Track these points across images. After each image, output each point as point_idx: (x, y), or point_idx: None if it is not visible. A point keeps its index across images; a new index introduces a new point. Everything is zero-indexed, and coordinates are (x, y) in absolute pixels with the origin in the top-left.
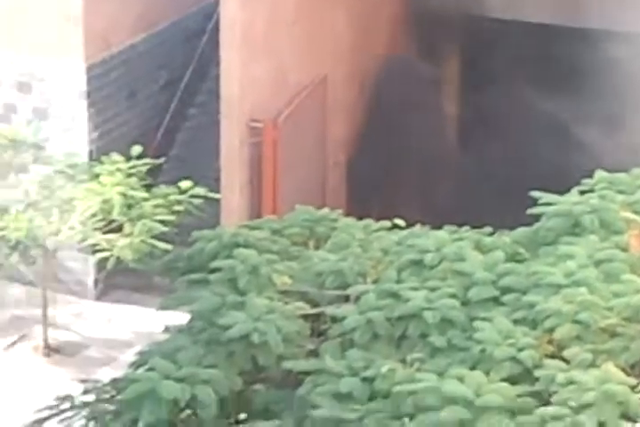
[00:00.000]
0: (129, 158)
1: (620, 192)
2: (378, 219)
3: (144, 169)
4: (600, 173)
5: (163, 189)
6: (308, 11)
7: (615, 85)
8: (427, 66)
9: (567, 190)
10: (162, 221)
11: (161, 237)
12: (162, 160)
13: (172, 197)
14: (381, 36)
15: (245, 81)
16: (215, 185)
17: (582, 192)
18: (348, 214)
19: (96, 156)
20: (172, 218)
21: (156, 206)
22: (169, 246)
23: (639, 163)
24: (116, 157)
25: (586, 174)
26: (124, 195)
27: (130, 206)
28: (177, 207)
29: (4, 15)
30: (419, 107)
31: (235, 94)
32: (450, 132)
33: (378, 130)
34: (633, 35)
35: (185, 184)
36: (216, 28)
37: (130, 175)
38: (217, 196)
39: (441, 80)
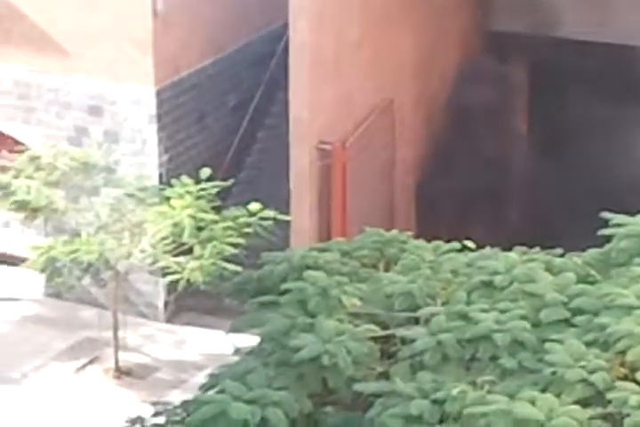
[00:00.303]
0: (198, 181)
1: None
2: (447, 241)
3: (213, 191)
4: None
5: (232, 211)
6: (375, 34)
7: None
8: (495, 88)
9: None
10: (231, 244)
11: (231, 259)
12: (231, 182)
13: (241, 220)
14: (449, 58)
15: (314, 104)
16: (285, 207)
17: None
18: (417, 237)
19: (166, 179)
20: (241, 240)
21: (226, 229)
22: (239, 268)
23: None
24: (185, 179)
25: None
26: (194, 217)
27: (200, 229)
28: (246, 229)
29: (76, 39)
30: (487, 129)
31: (304, 117)
32: (520, 153)
33: (446, 152)
34: None
35: (254, 206)
36: (285, 52)
37: (199, 198)
38: (286, 218)
39: (510, 101)
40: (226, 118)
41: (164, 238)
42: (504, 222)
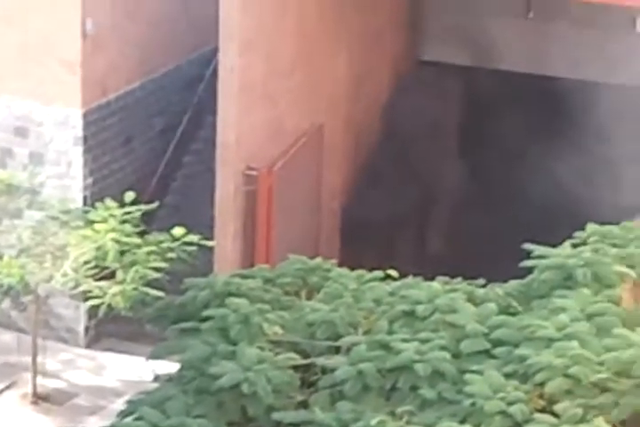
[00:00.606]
0: (123, 205)
1: (613, 245)
2: (371, 268)
3: (137, 215)
4: (592, 226)
5: (156, 236)
6: (307, 58)
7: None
8: (425, 115)
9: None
10: (154, 268)
11: (154, 284)
12: (155, 206)
13: (165, 244)
14: (380, 84)
15: (242, 128)
16: (209, 233)
17: (575, 245)
18: (341, 264)
19: (91, 202)
20: (164, 265)
21: (149, 253)
22: (161, 294)
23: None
24: (109, 203)
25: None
26: (118, 241)
27: (123, 253)
28: (170, 254)
29: (3, 59)
30: (416, 156)
31: (231, 142)
32: (448, 181)
33: (373, 179)
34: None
35: (178, 231)
36: (214, 76)
37: (124, 222)
38: (210, 243)
39: (441, 129)
40: (152, 142)
41: (86, 262)
42: (429, 250)
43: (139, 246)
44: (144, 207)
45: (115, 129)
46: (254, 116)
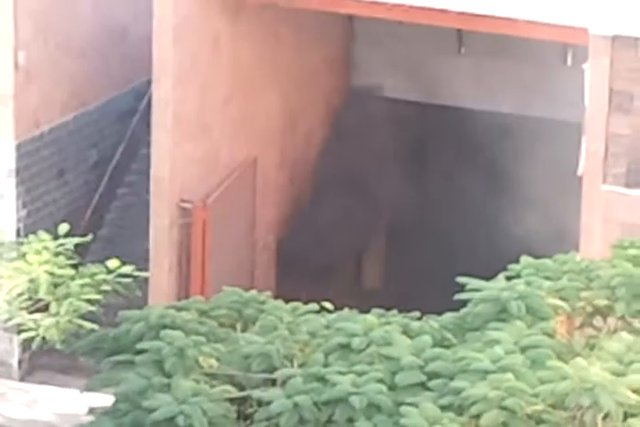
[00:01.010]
0: (57, 237)
1: (547, 278)
2: (307, 301)
3: (71, 247)
4: (526, 259)
5: (90, 268)
6: (241, 92)
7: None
8: (360, 150)
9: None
10: (89, 301)
11: (88, 317)
12: (89, 238)
13: (99, 277)
14: (316, 118)
15: (176, 161)
16: (144, 265)
17: (509, 277)
18: (276, 297)
19: (24, 234)
20: (98, 297)
21: (83, 286)
22: (95, 326)
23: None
24: (43, 235)
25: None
26: (52, 273)
27: (56, 285)
28: (104, 287)
29: None
30: (350, 189)
31: (165, 174)
32: (381, 215)
33: (307, 212)
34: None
35: (112, 263)
36: (148, 108)
37: (57, 254)
38: (144, 274)
39: (375, 164)
40: (86, 174)
41: (19, 295)
42: (364, 283)
43: (72, 278)
44: (77, 239)
45: (48, 161)
46: (188, 149)
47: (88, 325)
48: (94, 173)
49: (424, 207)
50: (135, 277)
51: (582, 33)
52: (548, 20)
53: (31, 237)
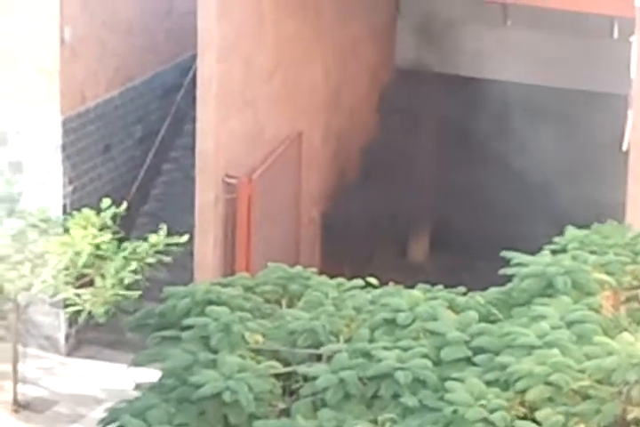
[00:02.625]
0: (101, 212)
1: (592, 252)
2: (352, 276)
3: (109, 218)
4: (571, 232)
5: (134, 242)
6: (285, 66)
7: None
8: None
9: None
10: (134, 271)
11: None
12: (124, 208)
13: (141, 249)
14: (359, 92)
15: (221, 137)
16: (189, 240)
17: (553, 251)
18: (321, 272)
19: (70, 209)
20: (143, 268)
21: (127, 259)
22: (139, 293)
23: None
24: (86, 211)
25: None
26: (97, 247)
27: (102, 258)
28: (149, 260)
29: None
30: (394, 164)
31: (210, 150)
32: (425, 190)
33: (354, 187)
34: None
35: (155, 238)
36: (193, 84)
37: (102, 229)
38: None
39: (419, 137)
40: (132, 150)
41: (65, 268)
42: (410, 258)
43: (116, 253)
44: (113, 211)
45: (94, 137)
46: (233, 124)
47: (133, 294)
48: (140, 149)
49: (471, 183)
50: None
51: (629, 6)
52: None
53: (75, 212)
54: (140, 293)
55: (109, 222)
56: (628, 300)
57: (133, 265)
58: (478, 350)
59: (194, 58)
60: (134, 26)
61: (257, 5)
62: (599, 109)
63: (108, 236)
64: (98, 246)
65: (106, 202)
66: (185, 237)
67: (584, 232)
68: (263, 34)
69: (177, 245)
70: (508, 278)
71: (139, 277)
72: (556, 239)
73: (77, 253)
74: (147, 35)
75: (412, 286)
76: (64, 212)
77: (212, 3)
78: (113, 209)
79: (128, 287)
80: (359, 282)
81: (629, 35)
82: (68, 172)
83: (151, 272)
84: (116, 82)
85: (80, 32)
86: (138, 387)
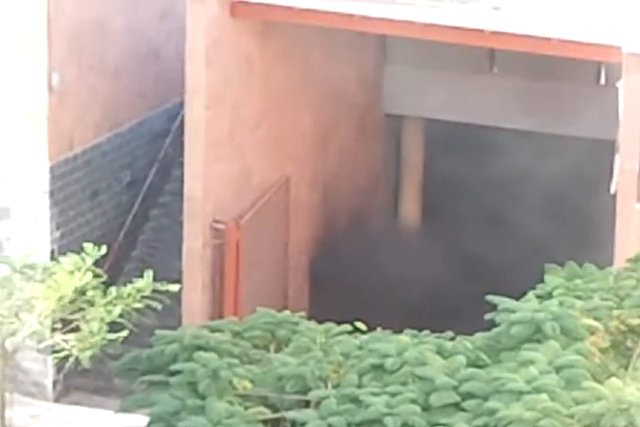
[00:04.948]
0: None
1: (578, 297)
2: (340, 321)
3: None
4: (554, 279)
5: (122, 288)
6: (273, 112)
7: None
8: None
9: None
10: (121, 316)
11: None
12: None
13: (126, 293)
14: (347, 138)
15: (209, 182)
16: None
17: (538, 296)
18: (310, 317)
19: (58, 255)
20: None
21: (115, 305)
22: (124, 334)
23: None
24: (73, 256)
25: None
26: (83, 293)
27: (90, 304)
28: (136, 305)
29: None
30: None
31: (198, 195)
32: (412, 234)
33: (340, 232)
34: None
35: (143, 283)
36: (181, 129)
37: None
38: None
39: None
40: (120, 195)
41: (52, 312)
42: (398, 302)
43: (104, 297)
44: (101, 252)
45: (81, 183)
46: (221, 170)
47: (118, 336)
48: (128, 194)
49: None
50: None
51: (615, 51)
52: (581, 39)
53: (62, 258)
54: (125, 334)
55: (92, 267)
56: (616, 345)
57: (118, 309)
58: (467, 396)
59: (182, 104)
60: (122, 71)
61: (245, 52)
62: (586, 154)
63: (89, 278)
64: (83, 292)
65: (88, 247)
66: (176, 287)
67: (569, 279)
68: (251, 79)
69: (167, 292)
70: (492, 322)
71: (123, 321)
72: (540, 285)
73: (61, 298)
74: (135, 80)
75: (399, 331)
76: (52, 257)
77: (201, 48)
78: (97, 253)
79: (114, 332)
80: (347, 327)
81: (616, 80)
82: (55, 217)
83: (138, 317)
84: (103, 127)
85: (68, 78)
86: None
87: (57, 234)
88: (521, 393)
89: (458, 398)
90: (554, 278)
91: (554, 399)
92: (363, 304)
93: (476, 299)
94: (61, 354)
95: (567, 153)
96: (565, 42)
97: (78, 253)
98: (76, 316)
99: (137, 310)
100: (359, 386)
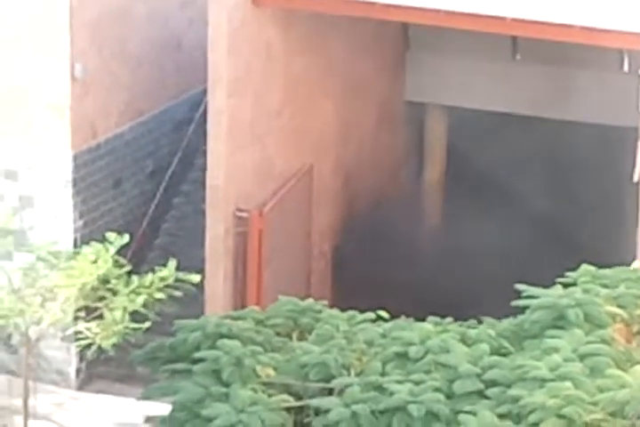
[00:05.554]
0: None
1: (604, 286)
2: (363, 309)
3: (117, 247)
4: (584, 267)
5: (144, 276)
6: (295, 100)
7: None
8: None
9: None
10: (144, 305)
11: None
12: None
13: (149, 282)
14: (369, 125)
15: (232, 170)
16: (200, 274)
17: (565, 285)
18: (332, 305)
19: (81, 243)
20: (154, 303)
21: (138, 294)
22: (147, 325)
23: None
24: (96, 245)
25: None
26: (106, 281)
27: (113, 293)
28: (158, 295)
29: None
30: (403, 196)
31: (220, 183)
32: (435, 221)
33: (362, 220)
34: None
35: (166, 272)
36: (203, 118)
37: (111, 262)
38: (196, 277)
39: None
40: (142, 184)
41: (76, 300)
42: (421, 290)
43: (126, 286)
44: (122, 241)
45: (104, 171)
46: (244, 158)
47: (141, 326)
48: (150, 183)
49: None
50: (190, 283)
51: (639, 39)
52: (604, 26)
53: (85, 246)
54: (148, 325)
55: (115, 256)
56: None
57: (141, 298)
58: (490, 383)
59: (204, 92)
60: (144, 60)
61: (267, 40)
62: (609, 142)
63: (110, 266)
64: (107, 280)
65: (111, 236)
66: (197, 278)
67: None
68: (273, 68)
69: (189, 282)
70: (520, 310)
71: (146, 311)
72: (568, 273)
73: (84, 286)
74: (157, 69)
75: (423, 319)
76: (75, 246)
77: (222, 37)
78: (120, 242)
79: (137, 321)
80: (370, 315)
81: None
82: (78, 206)
83: (161, 306)
84: (126, 116)
85: (90, 67)
86: (148, 421)
87: (80, 223)
88: (544, 381)
89: (481, 386)
90: (583, 268)
91: (577, 387)
92: (386, 292)
93: (501, 286)
94: (84, 342)
95: (591, 140)
96: (588, 29)
97: (101, 241)
98: (99, 304)
99: (159, 300)
100: (383, 374)
